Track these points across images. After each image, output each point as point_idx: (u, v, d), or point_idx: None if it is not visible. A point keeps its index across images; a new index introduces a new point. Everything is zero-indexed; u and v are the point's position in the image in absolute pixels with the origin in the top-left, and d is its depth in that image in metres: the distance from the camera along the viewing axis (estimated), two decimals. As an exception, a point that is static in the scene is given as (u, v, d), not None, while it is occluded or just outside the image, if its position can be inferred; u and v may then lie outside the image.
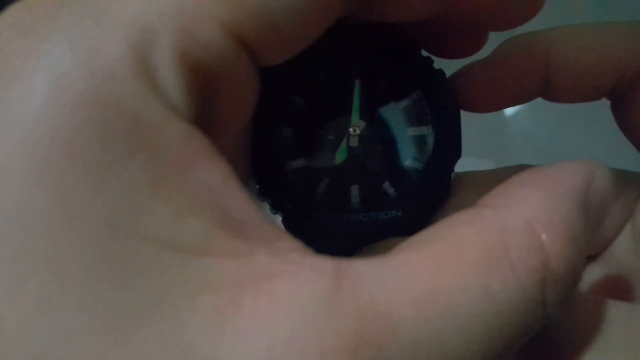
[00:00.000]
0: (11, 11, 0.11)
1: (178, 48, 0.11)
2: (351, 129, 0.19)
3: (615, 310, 0.14)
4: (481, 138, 0.48)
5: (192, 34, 0.11)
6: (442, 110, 0.19)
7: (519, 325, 0.11)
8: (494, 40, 0.19)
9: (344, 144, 0.19)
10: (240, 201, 0.11)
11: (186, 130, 0.11)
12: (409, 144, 0.20)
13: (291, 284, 0.10)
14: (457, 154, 0.19)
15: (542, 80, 0.19)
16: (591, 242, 0.13)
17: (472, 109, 0.20)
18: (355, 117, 0.19)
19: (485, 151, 0.49)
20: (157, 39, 0.11)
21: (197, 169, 0.11)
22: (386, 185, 0.20)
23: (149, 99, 0.10)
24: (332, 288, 0.10)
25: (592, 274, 0.20)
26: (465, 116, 0.20)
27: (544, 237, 0.11)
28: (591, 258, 0.21)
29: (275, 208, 0.19)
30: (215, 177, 0.11)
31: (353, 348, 0.10)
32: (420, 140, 0.20)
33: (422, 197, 0.19)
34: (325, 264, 0.11)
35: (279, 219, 0.19)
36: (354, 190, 0.19)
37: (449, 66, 0.20)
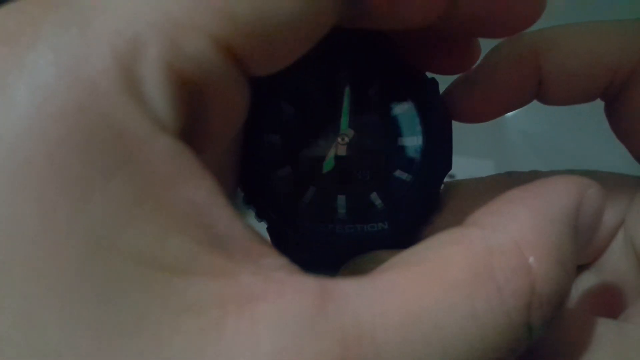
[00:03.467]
0: None
1: (165, 60, 0.11)
2: (339, 138, 0.19)
3: (604, 328, 0.14)
4: (481, 138, 0.47)
5: (180, 46, 0.11)
6: (433, 120, 0.19)
7: (503, 348, 0.11)
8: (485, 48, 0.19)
9: (332, 152, 0.19)
10: (225, 217, 0.11)
11: (171, 145, 0.11)
12: (398, 155, 0.19)
13: (275, 304, 0.10)
14: (447, 166, 0.19)
15: (535, 84, 0.18)
16: (578, 261, 0.12)
17: (468, 119, 0.19)
18: (344, 125, 0.19)
19: (485, 151, 0.48)
20: (143, 51, 0.10)
21: (182, 185, 0.10)
22: (374, 196, 0.19)
23: (133, 113, 0.10)
24: (317, 309, 0.10)
25: (586, 282, 0.20)
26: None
27: (531, 259, 0.11)
28: (585, 266, 0.21)
29: (260, 216, 0.19)
30: (200, 193, 0.11)
31: None
32: (409, 151, 0.19)
33: (409, 210, 0.19)
34: (310, 284, 0.11)
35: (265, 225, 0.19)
36: (341, 200, 0.19)
37: (442, 80, 0.19)
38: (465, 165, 0.42)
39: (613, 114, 0.19)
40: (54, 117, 0.10)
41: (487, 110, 0.19)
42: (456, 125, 0.20)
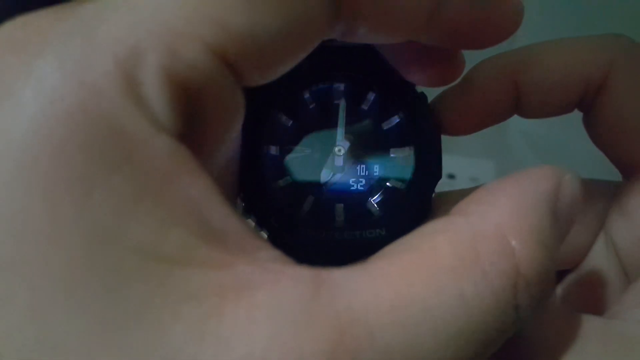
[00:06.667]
0: (5, 28, 0.11)
1: (163, 66, 0.11)
2: (336, 149, 0.20)
3: (590, 324, 0.14)
4: (481, 138, 0.47)
5: (177, 52, 0.11)
6: (423, 132, 0.20)
7: (492, 329, 0.11)
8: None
9: (329, 163, 0.20)
10: (221, 212, 0.11)
11: (169, 144, 0.11)
12: (392, 165, 0.20)
13: (271, 292, 0.11)
14: (437, 175, 0.20)
15: (513, 100, 0.20)
16: (560, 247, 0.13)
17: (451, 132, 0.20)
18: (340, 137, 0.20)
19: (485, 151, 0.49)
20: (143, 57, 0.11)
21: (180, 182, 0.11)
22: (370, 204, 0.20)
23: (134, 114, 0.11)
24: (311, 296, 0.11)
25: (572, 284, 0.21)
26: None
27: (514, 242, 0.12)
28: (569, 269, 0.21)
29: (260, 225, 0.19)
30: (197, 189, 0.11)
31: (331, 353, 0.10)
32: (402, 161, 0.20)
33: (404, 216, 0.19)
34: (304, 273, 0.11)
35: (264, 235, 0.20)
36: (339, 208, 0.20)
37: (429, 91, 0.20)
38: (465, 165, 0.42)
39: (589, 124, 0.20)
40: (60, 119, 0.10)
41: (468, 124, 0.20)
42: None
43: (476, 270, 0.11)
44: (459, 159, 0.48)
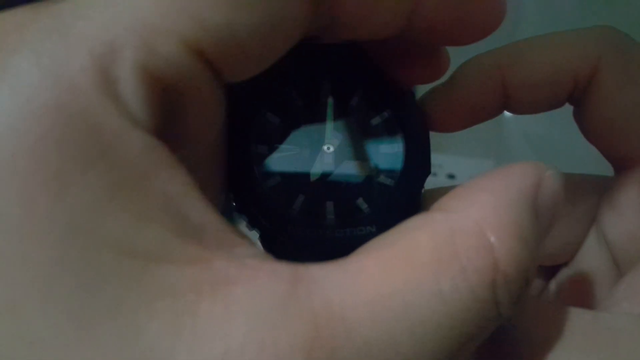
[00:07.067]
0: None
1: (139, 62, 0.11)
2: (325, 146, 0.20)
3: (577, 317, 0.14)
4: (481, 138, 0.48)
5: (153, 48, 0.11)
6: (411, 128, 0.20)
7: (471, 325, 0.11)
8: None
9: (318, 161, 0.20)
10: (199, 208, 0.11)
11: (145, 140, 0.11)
12: (381, 161, 0.20)
13: (248, 288, 0.11)
14: (426, 171, 0.20)
15: (501, 97, 0.19)
16: (542, 243, 0.13)
17: (439, 129, 0.20)
18: (328, 134, 0.20)
19: (485, 151, 0.49)
20: (119, 53, 0.11)
21: (156, 177, 0.11)
22: (360, 201, 0.20)
23: (109, 110, 0.11)
24: (288, 291, 0.11)
25: (564, 278, 0.21)
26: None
27: (492, 238, 0.12)
28: (562, 264, 0.21)
29: (252, 225, 0.19)
30: (174, 185, 0.11)
31: (308, 349, 0.10)
32: (391, 158, 0.20)
33: (394, 213, 0.19)
34: (282, 269, 0.11)
35: (256, 234, 0.20)
36: (329, 206, 0.20)
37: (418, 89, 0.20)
38: (466, 165, 0.42)
39: (580, 118, 0.20)
40: (36, 115, 0.10)
41: (456, 121, 0.20)
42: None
43: (454, 266, 0.11)
44: (459, 159, 0.48)
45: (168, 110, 0.12)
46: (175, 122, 0.12)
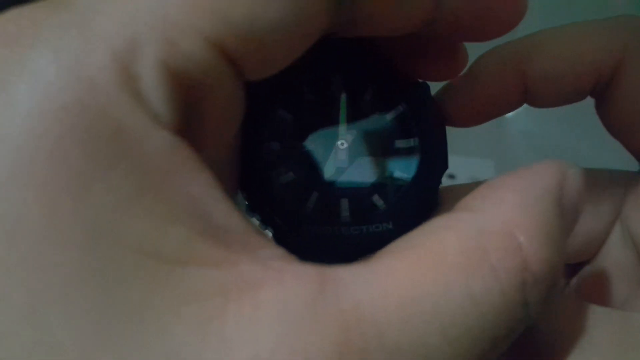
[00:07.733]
0: None
1: (161, 58, 0.11)
2: (339, 143, 0.19)
3: (603, 315, 0.14)
4: (481, 138, 0.48)
5: (175, 45, 0.11)
6: (427, 122, 0.19)
7: (501, 326, 0.11)
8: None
9: (332, 157, 0.19)
10: (223, 209, 0.11)
11: (169, 139, 0.11)
12: (396, 157, 0.20)
13: (275, 291, 0.10)
14: (443, 166, 0.19)
15: (522, 90, 0.19)
16: (567, 241, 0.13)
17: (457, 124, 0.20)
18: (342, 130, 0.19)
19: (485, 151, 0.49)
20: (140, 50, 0.11)
21: (180, 178, 0.11)
22: (375, 198, 0.20)
23: (131, 109, 0.11)
24: (316, 294, 0.10)
25: (587, 275, 0.20)
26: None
27: (521, 238, 0.11)
28: (585, 261, 0.21)
29: (265, 223, 0.19)
30: (198, 186, 0.11)
31: (339, 352, 0.10)
32: (407, 153, 0.20)
33: (410, 209, 0.19)
34: (308, 271, 0.11)
35: (269, 234, 0.19)
36: (344, 203, 0.19)
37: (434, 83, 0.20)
38: (466, 165, 0.42)
39: (603, 111, 0.19)
40: (55, 114, 0.10)
41: (475, 115, 0.20)
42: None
43: (484, 267, 0.11)
44: (459, 159, 0.48)
45: (190, 109, 0.12)
46: (197, 120, 0.12)
